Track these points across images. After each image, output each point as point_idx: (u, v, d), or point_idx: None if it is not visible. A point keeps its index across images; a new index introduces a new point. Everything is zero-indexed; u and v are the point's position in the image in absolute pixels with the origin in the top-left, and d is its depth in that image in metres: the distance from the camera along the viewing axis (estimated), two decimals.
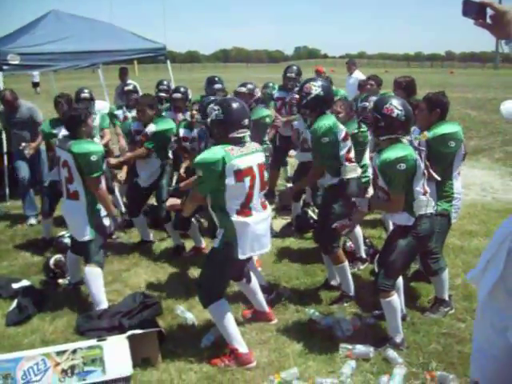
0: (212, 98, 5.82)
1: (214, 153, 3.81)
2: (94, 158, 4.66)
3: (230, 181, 3.78)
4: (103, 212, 4.90)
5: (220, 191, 3.83)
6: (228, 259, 3.97)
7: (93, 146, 4.78)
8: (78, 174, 4.72)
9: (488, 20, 2.21)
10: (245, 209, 3.89)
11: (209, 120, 4.00)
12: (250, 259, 4.39)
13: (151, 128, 6.15)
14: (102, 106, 8.29)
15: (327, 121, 4.65)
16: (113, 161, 6.34)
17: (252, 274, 4.60)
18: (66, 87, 19.34)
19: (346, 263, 4.98)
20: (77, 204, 4.81)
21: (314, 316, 4.69)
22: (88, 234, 4.80)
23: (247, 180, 3.87)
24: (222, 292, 4.12)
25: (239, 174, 3.81)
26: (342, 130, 4.75)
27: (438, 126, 4.64)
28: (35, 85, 31.46)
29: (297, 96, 7.27)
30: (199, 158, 3.86)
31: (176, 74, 10.57)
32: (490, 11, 2.20)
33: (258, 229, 3.98)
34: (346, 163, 4.78)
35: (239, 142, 3.92)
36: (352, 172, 4.79)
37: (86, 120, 4.85)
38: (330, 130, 4.61)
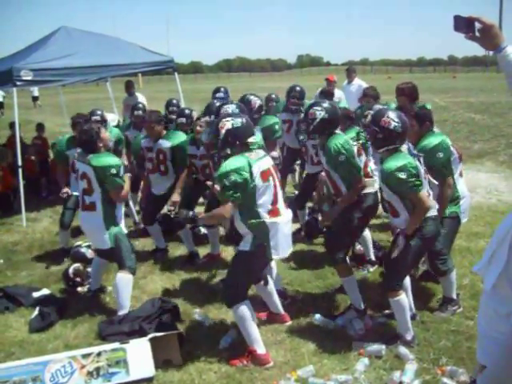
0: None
1: (237, 160, 4.03)
2: (113, 170, 4.84)
3: (258, 181, 4.01)
4: (122, 220, 5.10)
5: (251, 194, 4.02)
6: (259, 260, 4.19)
7: (111, 159, 4.95)
8: (97, 185, 4.90)
9: (477, 33, 2.40)
10: (275, 208, 4.13)
11: (223, 132, 4.15)
12: (270, 262, 4.57)
13: (165, 144, 6.31)
14: (111, 118, 8.47)
15: (338, 140, 4.69)
16: (176, 198, 6.37)
17: (269, 277, 4.77)
18: (73, 100, 19.66)
19: (353, 277, 4.96)
20: (93, 215, 4.98)
21: (319, 321, 4.82)
22: (108, 243, 4.98)
23: (271, 179, 4.12)
24: (246, 293, 4.31)
25: (264, 175, 4.06)
26: (355, 146, 4.86)
27: (424, 141, 4.78)
28: (35, 99, 31.79)
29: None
30: (224, 168, 3.99)
31: (180, 85, 10.72)
32: (478, 25, 2.40)
33: (286, 229, 4.24)
34: (364, 178, 4.85)
35: (251, 148, 4.18)
36: (369, 187, 4.90)
37: (99, 136, 4.99)
38: (343, 147, 4.64)
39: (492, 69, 59.64)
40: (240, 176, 3.94)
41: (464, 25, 2.45)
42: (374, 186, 4.97)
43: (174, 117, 7.61)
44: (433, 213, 4.24)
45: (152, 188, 6.61)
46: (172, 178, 6.46)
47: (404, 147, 4.24)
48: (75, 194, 6.61)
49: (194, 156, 6.39)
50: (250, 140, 4.19)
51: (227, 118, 4.22)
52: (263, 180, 4.06)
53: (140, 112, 8.02)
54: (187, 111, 7.11)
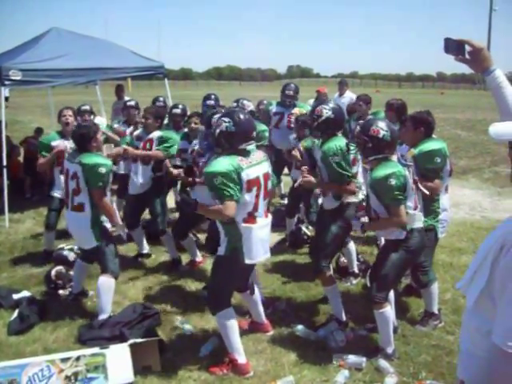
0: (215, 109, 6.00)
1: (226, 162, 3.91)
2: (101, 169, 4.82)
3: (243, 190, 3.94)
4: (108, 224, 5.07)
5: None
6: (235, 265, 4.12)
7: (101, 159, 4.95)
8: (85, 185, 4.88)
9: (467, 56, 2.44)
10: (251, 217, 4.05)
11: (218, 131, 4.07)
12: (253, 269, 4.56)
13: (156, 133, 6.28)
14: (99, 121, 8.44)
15: (338, 142, 4.76)
16: (131, 150, 6.23)
17: (256, 286, 4.77)
18: (61, 102, 19.50)
19: (335, 286, 5.00)
20: (81, 215, 4.96)
21: (301, 332, 4.80)
22: (94, 242, 4.95)
23: (254, 189, 4.02)
24: (229, 300, 4.27)
25: (249, 184, 3.97)
26: (351, 154, 4.85)
27: (424, 143, 4.84)
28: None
29: (296, 111, 7.51)
30: (212, 168, 3.91)
31: (170, 90, 10.73)
32: (468, 48, 2.43)
33: (262, 233, 4.15)
34: None
35: (246, 153, 4.07)
36: (353, 196, 4.93)
37: (96, 135, 4.99)
38: (341, 150, 4.70)
39: (479, 86, 60.34)
40: (226, 180, 3.85)
41: (454, 47, 2.48)
42: (357, 196, 4.99)
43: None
44: (419, 225, 4.27)
45: (134, 184, 6.51)
46: (147, 173, 6.35)
47: (394, 156, 4.27)
48: (57, 195, 6.57)
49: (185, 150, 6.38)
50: (244, 147, 4.06)
51: (225, 119, 4.08)
52: (247, 189, 3.98)
53: (132, 103, 8.19)
54: (181, 105, 7.42)
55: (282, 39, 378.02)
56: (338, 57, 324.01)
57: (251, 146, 4.14)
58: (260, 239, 4.14)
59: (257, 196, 4.08)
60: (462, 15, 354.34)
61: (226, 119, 4.06)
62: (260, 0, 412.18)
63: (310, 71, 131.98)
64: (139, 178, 6.40)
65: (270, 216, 4.37)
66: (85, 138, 4.96)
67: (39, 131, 11.36)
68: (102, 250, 4.98)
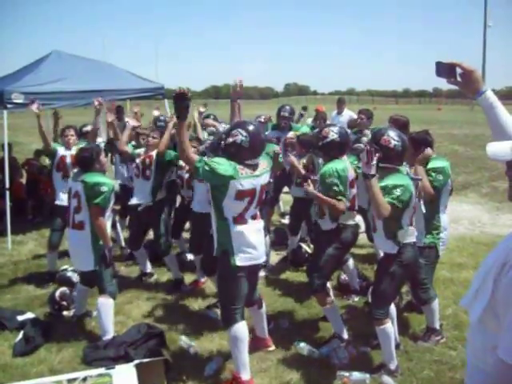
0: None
1: (226, 166, 3.97)
2: (103, 188, 4.89)
3: (229, 196, 4.00)
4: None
5: (221, 194, 4.02)
6: (228, 269, 4.14)
7: (104, 179, 5.03)
8: (86, 204, 4.95)
9: (459, 78, 2.51)
10: (241, 218, 4.11)
11: (231, 140, 4.10)
12: (256, 279, 4.59)
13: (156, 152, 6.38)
14: (99, 141, 8.53)
15: (336, 164, 4.75)
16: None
17: (263, 301, 4.81)
18: (61, 123, 19.59)
19: (333, 305, 5.01)
20: (81, 234, 5.02)
21: (304, 350, 4.82)
22: (91, 265, 5.00)
23: (246, 199, 4.08)
24: (240, 313, 4.23)
25: (240, 194, 4.03)
26: (351, 176, 4.89)
27: (427, 162, 4.91)
28: None
29: (290, 135, 7.54)
30: (214, 162, 3.96)
31: (169, 111, 10.82)
32: (459, 70, 2.50)
33: (253, 237, 4.17)
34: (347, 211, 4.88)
35: (250, 167, 4.12)
36: (349, 219, 4.95)
37: (98, 157, 5.07)
38: (337, 172, 4.69)
39: (476, 102, 60.58)
40: (215, 177, 3.93)
41: (446, 70, 2.55)
42: (354, 218, 5.04)
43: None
44: (411, 239, 4.33)
45: (134, 197, 6.57)
46: (147, 186, 6.43)
47: (403, 169, 4.32)
48: (61, 203, 6.59)
49: (182, 167, 6.52)
50: (249, 162, 4.10)
51: (243, 132, 4.07)
52: (236, 198, 4.03)
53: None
54: None
55: (278, 57, 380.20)
56: (335, 74, 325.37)
57: (256, 162, 4.19)
58: (250, 242, 4.16)
59: (249, 202, 4.13)
60: (456, 31, 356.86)
61: (244, 133, 4.08)
62: (257, 17, 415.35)
63: (307, 89, 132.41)
64: (140, 192, 6.49)
65: (261, 220, 4.41)
66: (87, 161, 5.04)
67: (39, 153, 11.43)
68: (100, 272, 5.03)
